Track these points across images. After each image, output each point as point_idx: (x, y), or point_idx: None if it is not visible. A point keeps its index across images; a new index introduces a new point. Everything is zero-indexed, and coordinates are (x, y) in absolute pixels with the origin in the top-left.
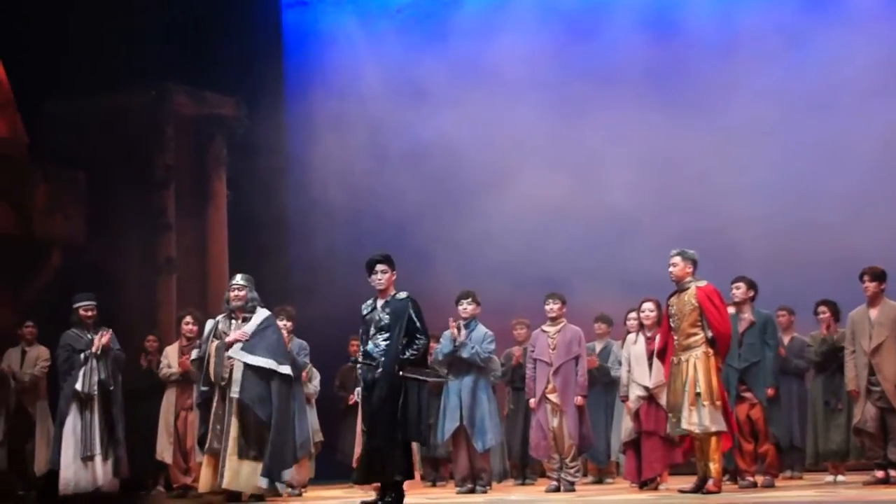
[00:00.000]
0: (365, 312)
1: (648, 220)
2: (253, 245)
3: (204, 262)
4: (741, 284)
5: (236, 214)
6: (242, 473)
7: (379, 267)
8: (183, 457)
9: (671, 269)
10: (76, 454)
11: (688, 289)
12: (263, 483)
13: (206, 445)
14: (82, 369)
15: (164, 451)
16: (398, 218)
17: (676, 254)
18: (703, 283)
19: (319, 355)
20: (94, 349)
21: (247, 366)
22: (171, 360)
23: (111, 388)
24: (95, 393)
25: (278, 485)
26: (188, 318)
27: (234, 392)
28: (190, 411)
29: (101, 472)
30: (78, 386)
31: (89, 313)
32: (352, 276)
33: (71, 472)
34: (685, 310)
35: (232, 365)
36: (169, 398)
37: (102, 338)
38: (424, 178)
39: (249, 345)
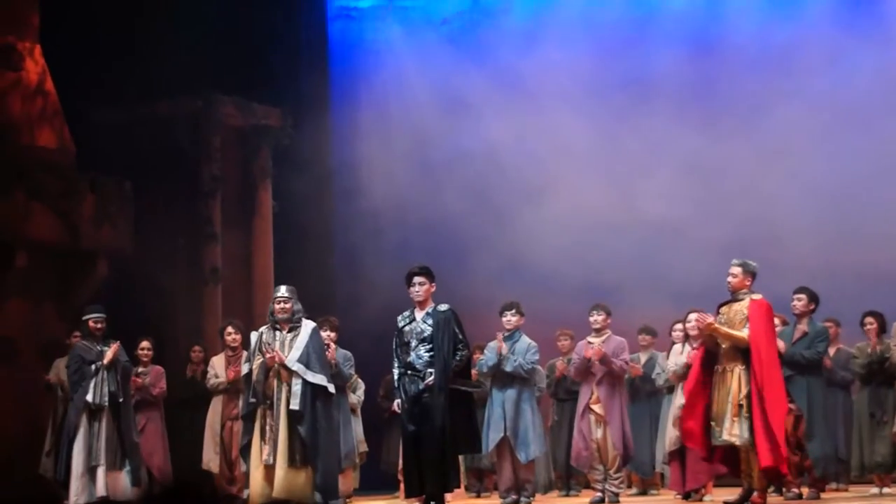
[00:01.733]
0: (402, 324)
1: (692, 230)
2: (298, 255)
3: (249, 272)
4: (803, 296)
5: (281, 225)
6: (292, 482)
7: (417, 279)
8: (228, 466)
9: (730, 279)
10: (85, 465)
11: (742, 300)
12: (318, 498)
13: (262, 458)
14: (93, 381)
15: (211, 460)
16: (442, 227)
17: (738, 264)
18: (758, 297)
19: (364, 365)
20: (105, 361)
21: (304, 380)
22: (217, 370)
23: (121, 399)
24: (106, 404)
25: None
26: (230, 329)
27: (295, 404)
28: (236, 421)
29: (108, 481)
30: (89, 397)
31: (98, 325)
32: (397, 287)
33: (80, 483)
34: (735, 319)
35: (284, 379)
36: (215, 408)
37: (112, 348)
38: (468, 188)
39: (305, 358)
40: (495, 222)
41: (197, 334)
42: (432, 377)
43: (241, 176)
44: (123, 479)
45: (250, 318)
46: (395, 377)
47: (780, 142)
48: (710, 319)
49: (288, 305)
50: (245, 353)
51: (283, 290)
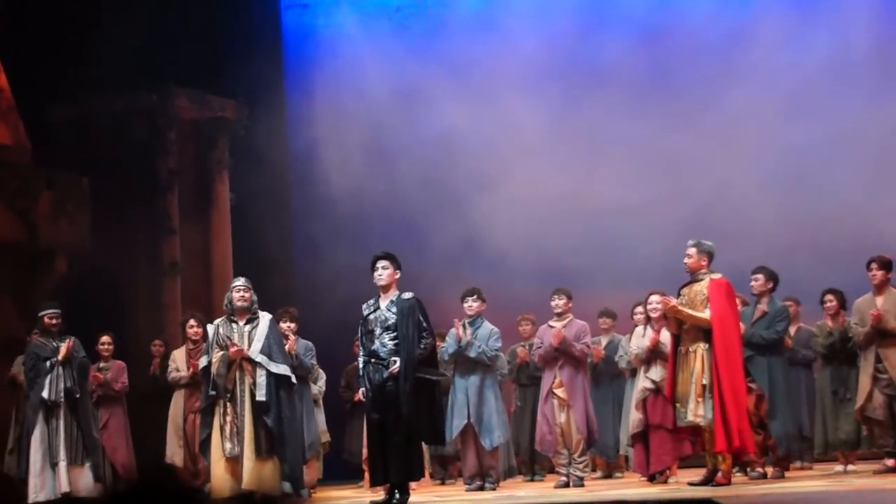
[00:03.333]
0: (367, 312)
1: (651, 213)
2: (257, 247)
3: (208, 265)
4: (760, 276)
5: (239, 217)
6: (261, 473)
7: (380, 264)
8: (192, 460)
9: (686, 259)
10: (44, 462)
11: (701, 280)
12: (287, 487)
13: (225, 451)
14: (48, 377)
15: (174, 453)
16: (399, 215)
17: (692, 245)
18: (717, 276)
19: (325, 356)
20: (59, 357)
21: (268, 371)
22: (178, 363)
23: (77, 395)
24: (62, 400)
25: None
26: (192, 322)
27: (261, 395)
28: (199, 414)
29: (67, 478)
30: (45, 394)
31: (54, 321)
32: (358, 275)
33: (38, 480)
34: (696, 300)
35: (248, 372)
36: (177, 401)
37: (66, 344)
38: (424, 175)
39: (267, 350)
40: (452, 209)
41: (157, 328)
42: (396, 365)
43: (197, 169)
44: (86, 474)
45: (210, 311)
46: (360, 365)
47: (736, 124)
48: (673, 302)
49: (248, 294)
50: (203, 347)
51: (241, 281)
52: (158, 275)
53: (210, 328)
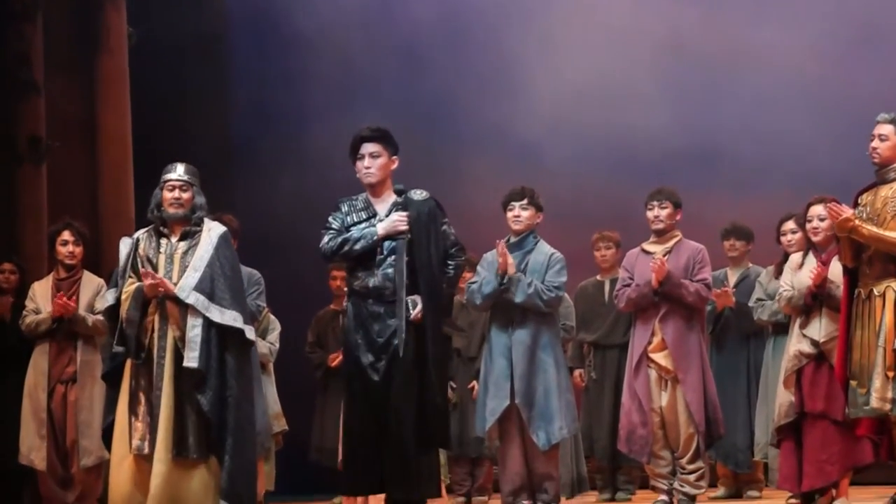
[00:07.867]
0: (352, 218)
1: (807, 71)
2: (170, 113)
3: (92, 143)
4: None
5: (144, 65)
6: (180, 483)
7: (367, 148)
8: (61, 459)
9: (875, 144)
10: None
11: (894, 180)
12: None
13: (133, 445)
14: None
15: (32, 450)
16: (399, 70)
17: (888, 121)
18: None
19: (280, 293)
20: None
21: (208, 321)
22: (39, 301)
23: None
24: None
25: None
26: (66, 235)
27: (192, 360)
28: (72, 384)
29: None
30: None
31: None
32: (330, 166)
33: None
34: (887, 212)
35: (173, 319)
36: (38, 365)
37: None
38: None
39: (208, 285)
40: (477, 47)
41: (8, 244)
42: (418, 308)
43: None
44: None
45: (95, 218)
46: (348, 309)
47: None
48: (848, 213)
49: (186, 195)
50: (84, 276)
51: (179, 171)
52: (10, 158)
53: (124, 245)
